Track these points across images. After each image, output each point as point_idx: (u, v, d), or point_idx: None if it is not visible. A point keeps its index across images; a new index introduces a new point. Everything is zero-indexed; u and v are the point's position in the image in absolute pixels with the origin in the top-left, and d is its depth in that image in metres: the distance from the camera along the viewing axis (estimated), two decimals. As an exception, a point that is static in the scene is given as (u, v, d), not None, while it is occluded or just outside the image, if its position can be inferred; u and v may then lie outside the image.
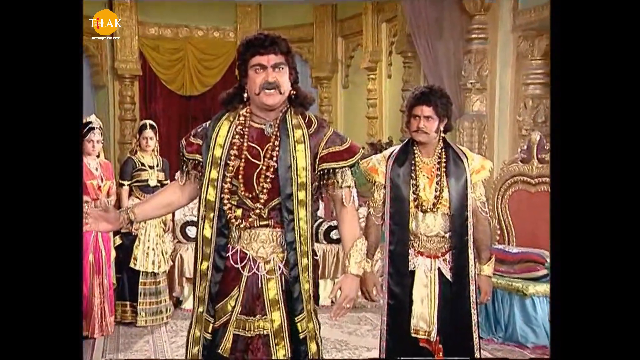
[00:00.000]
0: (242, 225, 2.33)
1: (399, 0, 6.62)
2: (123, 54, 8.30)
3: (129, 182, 5.16)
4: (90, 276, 4.62)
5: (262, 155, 2.33)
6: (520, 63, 5.63)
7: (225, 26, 8.87)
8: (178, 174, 2.52)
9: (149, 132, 5.18)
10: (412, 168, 3.04)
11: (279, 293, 2.34)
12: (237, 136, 2.35)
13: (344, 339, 4.88)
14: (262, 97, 2.30)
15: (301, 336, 2.33)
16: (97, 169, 4.67)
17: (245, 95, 2.36)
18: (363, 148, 2.57)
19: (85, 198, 4.47)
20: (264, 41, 2.29)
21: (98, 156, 4.76)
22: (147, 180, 5.15)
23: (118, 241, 5.11)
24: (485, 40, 5.77)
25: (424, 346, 3.04)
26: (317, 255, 2.46)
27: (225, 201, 2.32)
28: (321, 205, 5.87)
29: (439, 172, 3.02)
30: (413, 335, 3.03)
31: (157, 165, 5.22)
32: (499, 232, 5.21)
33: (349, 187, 2.42)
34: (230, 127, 2.37)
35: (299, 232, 2.31)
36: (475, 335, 3.04)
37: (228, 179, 2.32)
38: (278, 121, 2.36)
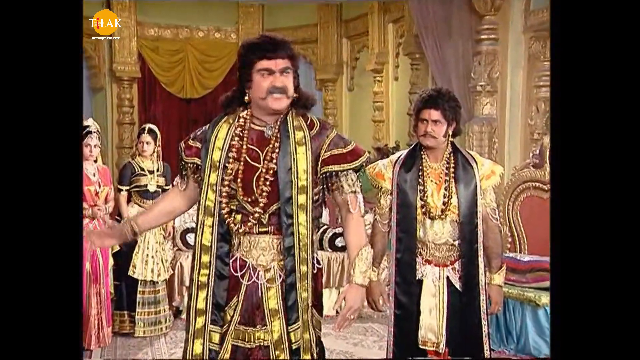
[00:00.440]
0: (241, 231, 2.33)
1: (406, -1, 6.65)
2: (121, 55, 8.33)
3: (128, 188, 5.17)
4: (87, 285, 4.63)
5: (261, 158, 2.34)
6: (532, 65, 5.63)
7: (226, 27, 8.91)
8: (177, 179, 2.53)
9: (145, 137, 5.18)
10: (420, 173, 3.04)
11: (280, 302, 2.34)
12: (236, 138, 2.36)
13: (350, 350, 4.88)
14: (269, 102, 2.31)
15: (294, 346, 2.33)
16: (94, 175, 4.69)
17: (247, 98, 2.37)
18: (369, 152, 2.58)
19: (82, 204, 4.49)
20: (271, 45, 2.30)
21: (96, 161, 4.77)
22: (146, 186, 5.15)
23: (116, 248, 5.12)
24: (495, 41, 5.78)
25: (432, 358, 3.04)
26: (320, 264, 2.45)
27: (224, 205, 2.33)
28: (326, 211, 5.88)
29: (447, 178, 3.02)
30: (421, 346, 3.03)
31: (158, 170, 5.23)
32: (510, 239, 5.20)
33: (355, 192, 2.42)
34: (229, 130, 2.38)
35: (298, 237, 2.31)
36: (485, 347, 3.04)
37: (227, 182, 2.33)
38: (279, 123, 2.37)
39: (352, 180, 2.40)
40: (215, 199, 2.33)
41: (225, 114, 2.43)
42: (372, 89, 7.92)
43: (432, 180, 3.04)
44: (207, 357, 2.34)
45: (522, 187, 5.19)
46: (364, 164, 2.42)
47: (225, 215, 2.33)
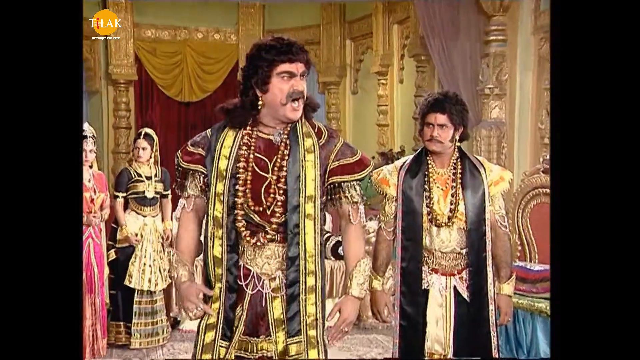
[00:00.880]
0: (251, 242, 2.34)
1: None
2: (117, 57, 8.36)
3: (124, 195, 5.16)
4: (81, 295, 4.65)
5: (269, 167, 2.35)
6: (542, 67, 5.64)
7: (226, 28, 8.93)
8: (181, 201, 2.50)
9: (141, 142, 5.18)
10: (426, 179, 3.05)
11: (284, 313, 2.35)
12: (244, 147, 2.36)
13: (353, 362, 4.88)
14: (287, 111, 2.31)
15: None
16: (89, 181, 4.70)
17: (260, 102, 2.35)
18: (373, 158, 2.60)
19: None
20: (292, 47, 2.30)
21: (91, 167, 4.78)
22: (143, 192, 5.15)
23: (112, 256, 5.12)
24: (504, 43, 5.78)
25: (439, 370, 3.04)
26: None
27: (240, 218, 2.33)
28: (329, 218, 5.88)
29: (454, 184, 3.03)
30: (427, 359, 3.03)
31: (156, 176, 5.22)
32: (519, 248, 5.19)
33: (357, 203, 2.44)
34: (235, 138, 2.38)
35: (304, 247, 2.32)
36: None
37: (241, 194, 2.33)
38: (288, 130, 2.38)
39: (356, 190, 2.42)
40: (223, 209, 2.33)
41: (231, 123, 2.41)
42: (377, 92, 7.93)
43: (438, 187, 3.05)
44: None
45: (532, 194, 5.19)
46: (370, 174, 2.44)
47: (242, 228, 2.33)
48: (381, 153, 7.45)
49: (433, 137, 3.01)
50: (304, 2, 8.60)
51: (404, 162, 3.15)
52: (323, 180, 2.36)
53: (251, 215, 2.35)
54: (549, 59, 5.57)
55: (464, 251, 3.03)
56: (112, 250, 5.12)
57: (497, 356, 3.05)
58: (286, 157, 2.33)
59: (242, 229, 2.34)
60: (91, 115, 8.03)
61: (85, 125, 4.76)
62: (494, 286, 3.07)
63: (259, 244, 2.35)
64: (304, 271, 2.32)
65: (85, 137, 4.64)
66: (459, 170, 3.05)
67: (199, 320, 2.43)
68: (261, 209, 2.33)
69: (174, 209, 5.26)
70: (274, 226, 2.34)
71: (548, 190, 5.09)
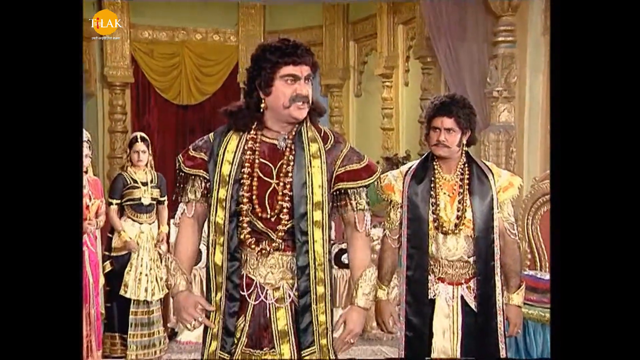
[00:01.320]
0: (256, 250, 2.34)
1: (417, -1, 6.68)
2: (113, 59, 8.39)
3: (118, 201, 5.15)
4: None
5: (274, 173, 2.35)
6: (553, 69, 5.64)
7: (226, 28, 8.96)
8: (182, 206, 2.50)
9: (140, 145, 5.17)
10: (432, 185, 3.05)
11: (289, 324, 2.35)
12: (248, 152, 2.36)
13: (357, 375, 4.87)
14: (292, 111, 2.31)
15: None
16: (85, 187, 4.71)
17: (263, 105, 2.36)
18: (377, 163, 2.60)
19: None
20: (297, 49, 2.30)
21: (86, 172, 4.78)
22: (140, 199, 5.14)
23: (108, 267, 5.11)
24: (513, 44, 5.79)
25: (445, 383, 3.04)
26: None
27: (245, 225, 2.34)
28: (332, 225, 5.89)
29: (461, 190, 3.03)
30: (434, 371, 3.03)
31: (152, 182, 5.22)
32: (529, 256, 5.19)
33: (363, 210, 2.45)
34: (239, 142, 2.38)
35: (314, 256, 2.32)
36: (503, 371, 3.04)
37: (246, 200, 2.33)
38: (293, 134, 2.38)
39: (362, 197, 2.43)
40: (224, 215, 2.34)
41: (234, 127, 2.42)
42: (381, 94, 7.94)
43: (445, 193, 3.05)
44: None
45: (542, 200, 5.18)
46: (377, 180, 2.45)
47: (247, 236, 2.34)
48: (386, 158, 7.46)
49: (439, 141, 3.02)
50: (306, 3, 8.62)
51: (410, 168, 3.15)
52: (329, 186, 2.37)
53: (255, 223, 2.35)
54: (559, 61, 5.58)
55: (471, 259, 3.03)
56: (108, 262, 5.11)
57: (506, 368, 3.05)
58: (291, 163, 2.34)
59: (247, 236, 2.35)
60: (86, 119, 8.02)
61: (80, 129, 4.77)
62: (502, 296, 3.07)
63: (264, 252, 2.35)
64: (314, 280, 2.33)
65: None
66: (467, 176, 3.05)
67: (201, 330, 2.44)
68: (267, 216, 2.34)
69: (171, 216, 5.27)
70: (280, 233, 2.34)
71: (559, 197, 5.08)
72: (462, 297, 3.03)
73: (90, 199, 4.70)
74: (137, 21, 8.55)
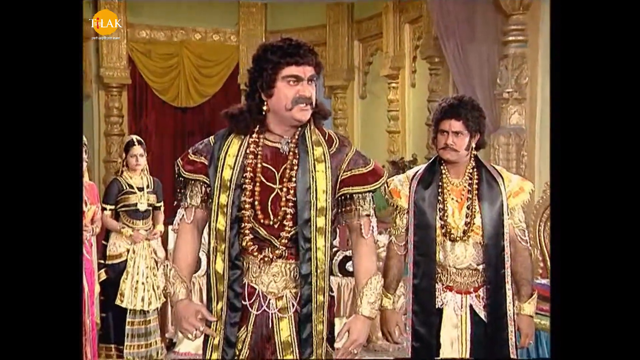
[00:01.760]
0: (259, 258, 2.34)
1: (425, -2, 6.69)
2: (109, 59, 8.40)
3: (112, 207, 5.14)
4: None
5: (277, 178, 2.36)
6: (565, 69, 5.63)
7: (226, 28, 8.98)
8: (181, 211, 2.50)
9: (138, 149, 5.17)
10: (439, 190, 3.05)
11: (293, 334, 2.35)
12: (250, 156, 2.37)
13: (362, 387, 4.87)
14: (295, 113, 2.32)
15: None
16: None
17: (265, 107, 2.36)
18: (383, 167, 2.61)
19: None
20: (300, 49, 2.31)
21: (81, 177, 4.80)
22: (135, 205, 5.15)
23: (103, 276, 5.11)
24: (524, 43, 5.78)
25: (454, 397, 3.03)
26: (333, 292, 2.47)
27: (247, 232, 2.34)
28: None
29: (470, 195, 3.03)
30: (441, 383, 3.02)
31: (148, 187, 5.23)
32: (541, 264, 5.18)
33: (369, 215, 2.45)
34: (241, 146, 2.39)
35: (316, 263, 2.33)
36: (514, 384, 3.03)
37: (248, 206, 2.33)
38: (296, 137, 2.38)
39: (368, 202, 2.43)
40: (226, 221, 2.34)
41: (236, 130, 2.42)
42: (387, 96, 7.95)
43: (453, 198, 3.05)
44: None
45: (554, 206, 5.18)
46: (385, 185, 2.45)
47: (249, 243, 2.34)
48: (392, 162, 7.46)
49: (447, 145, 3.02)
50: (309, 1, 8.64)
51: (416, 172, 3.15)
52: (334, 191, 2.37)
53: (257, 229, 2.35)
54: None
55: (480, 267, 3.02)
56: (103, 270, 5.11)
57: (517, 381, 3.05)
58: (295, 167, 2.34)
59: (249, 243, 2.35)
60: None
61: (75, 133, 4.78)
62: (513, 305, 3.07)
63: (266, 259, 2.35)
64: (315, 288, 2.33)
65: (75, 145, 4.65)
66: (475, 181, 3.05)
67: (201, 341, 2.44)
68: (270, 222, 2.34)
69: (167, 221, 5.28)
70: (283, 240, 2.35)
71: (572, 202, 5.07)
72: (471, 306, 3.03)
73: (86, 205, 4.71)
74: (134, 20, 8.57)
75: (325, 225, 2.34)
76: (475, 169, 3.07)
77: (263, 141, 2.39)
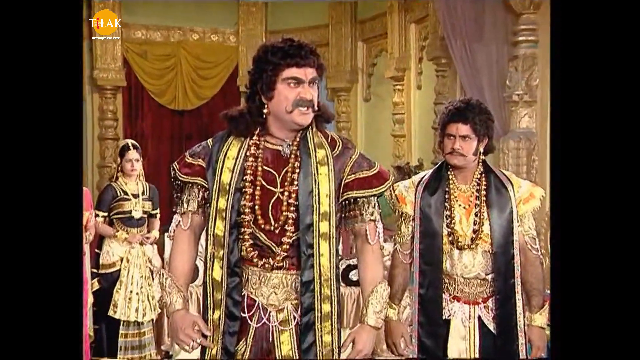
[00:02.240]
0: (259, 265, 2.34)
1: (431, -4, 6.69)
2: (104, 61, 8.41)
3: (105, 214, 5.13)
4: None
5: (278, 181, 2.36)
6: (577, 71, 5.63)
7: (225, 28, 8.99)
8: (177, 217, 2.49)
9: (133, 154, 5.17)
10: (446, 197, 3.05)
11: (294, 348, 2.35)
12: (250, 159, 2.37)
13: (366, 402, 4.85)
14: (295, 116, 2.32)
15: None
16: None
17: (265, 110, 2.37)
18: (388, 171, 2.61)
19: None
20: (301, 50, 2.31)
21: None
22: (130, 212, 5.14)
23: (96, 285, 5.10)
24: (535, 44, 5.79)
25: (462, 412, 3.03)
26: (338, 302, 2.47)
27: (247, 237, 2.34)
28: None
29: (478, 202, 3.03)
30: (449, 398, 3.02)
31: (143, 193, 5.23)
32: (553, 273, 5.17)
33: (375, 220, 2.45)
34: (241, 148, 2.39)
35: (319, 270, 2.32)
36: (524, 398, 3.02)
37: (248, 210, 2.34)
38: (298, 140, 2.39)
39: (373, 207, 2.43)
40: (224, 226, 2.34)
41: (235, 132, 2.42)
42: (392, 99, 7.95)
43: (460, 205, 3.05)
44: None
45: (566, 213, 5.17)
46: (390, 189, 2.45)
47: (249, 249, 2.34)
48: (397, 167, 7.46)
49: (454, 149, 3.01)
50: (311, 0, 8.65)
51: (422, 178, 3.15)
52: (337, 195, 2.37)
53: (257, 235, 2.35)
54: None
55: (489, 277, 3.02)
56: (96, 279, 5.10)
57: (527, 396, 3.04)
58: (297, 170, 2.35)
59: (249, 249, 2.35)
60: (74, 125, 8.07)
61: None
62: (524, 316, 3.06)
63: (267, 266, 2.35)
64: (319, 297, 2.33)
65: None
66: (484, 187, 3.04)
67: (198, 352, 2.43)
68: (270, 227, 2.34)
69: (163, 229, 5.28)
70: (284, 246, 2.35)
71: (584, 209, 5.07)
72: (479, 317, 3.03)
73: (78, 211, 4.71)
74: (130, 20, 8.57)
75: (329, 231, 2.34)
76: (483, 175, 3.07)
77: (264, 144, 2.39)
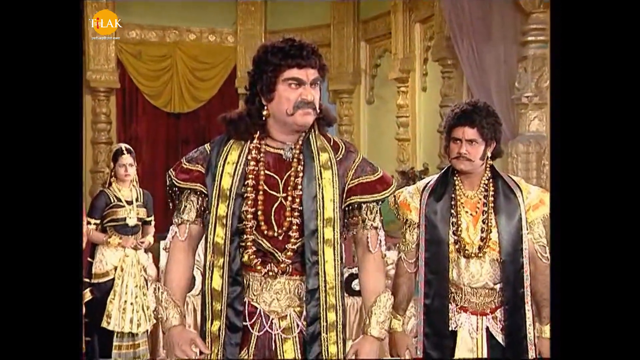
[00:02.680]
0: (262, 273, 2.34)
1: (436, -5, 6.71)
2: (97, 62, 8.42)
3: (98, 221, 5.12)
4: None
5: (280, 186, 2.36)
6: (589, 72, 5.64)
7: (223, 28, 9.01)
8: (173, 228, 2.49)
9: (127, 158, 5.17)
10: (453, 203, 3.05)
11: (298, 356, 2.35)
12: (252, 163, 2.37)
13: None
14: (296, 118, 2.32)
15: None
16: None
17: (265, 112, 2.38)
18: (392, 177, 2.61)
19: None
20: (302, 50, 2.32)
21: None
22: (124, 219, 5.14)
23: (88, 296, 5.09)
24: (545, 44, 5.78)
25: None
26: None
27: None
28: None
29: (485, 209, 3.03)
30: (456, 413, 3.02)
31: (137, 200, 5.22)
32: (564, 283, 5.17)
33: (377, 228, 2.46)
34: (241, 152, 2.39)
35: (324, 278, 2.33)
36: (535, 414, 3.02)
37: (250, 216, 2.34)
38: (300, 143, 2.39)
39: (376, 213, 2.44)
40: (225, 234, 2.34)
41: (235, 136, 2.43)
42: (396, 101, 7.96)
43: (467, 212, 3.05)
44: None
45: (578, 220, 5.17)
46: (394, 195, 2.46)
47: (252, 256, 2.34)
48: (401, 172, 7.46)
49: (461, 154, 3.02)
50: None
51: (428, 183, 3.15)
52: (341, 200, 2.37)
53: (260, 242, 2.35)
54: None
55: (497, 287, 3.02)
56: (88, 289, 5.09)
57: (538, 410, 3.04)
58: (300, 174, 2.35)
59: (252, 257, 2.35)
60: (66, 129, 8.08)
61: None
62: (534, 328, 3.06)
63: (270, 274, 2.35)
64: (324, 306, 2.33)
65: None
66: (491, 193, 3.04)
67: None
68: (274, 233, 2.35)
69: (156, 237, 5.28)
70: (288, 253, 2.35)
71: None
72: (487, 328, 3.02)
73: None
74: (124, 19, 8.52)
75: (334, 237, 2.34)
76: (491, 180, 3.07)
77: (265, 147, 2.40)
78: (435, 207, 3.05)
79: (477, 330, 3.03)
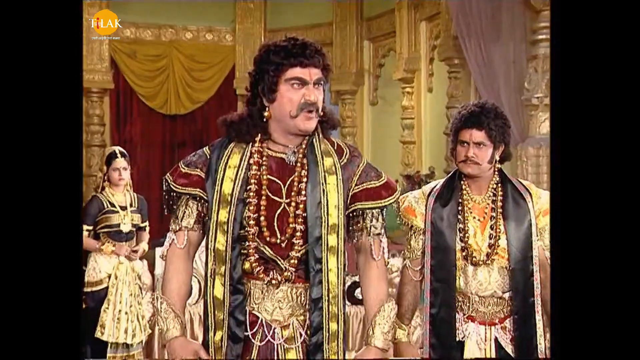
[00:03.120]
0: (265, 281, 2.35)
1: (443, -8, 6.72)
2: (90, 61, 8.42)
3: (90, 228, 5.12)
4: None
5: (284, 191, 2.37)
6: (601, 72, 5.65)
7: (220, 26, 9.02)
8: (170, 235, 2.49)
9: (121, 162, 5.18)
10: (460, 208, 3.05)
11: None
12: (254, 167, 2.38)
13: None
14: (299, 121, 2.33)
15: None
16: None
17: (267, 113, 2.38)
18: (396, 181, 2.62)
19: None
20: (305, 49, 2.32)
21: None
22: (118, 225, 5.14)
23: (81, 305, 5.10)
24: (554, 43, 5.80)
25: None
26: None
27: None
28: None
29: (494, 214, 3.03)
30: None
31: (132, 205, 5.22)
32: (575, 291, 5.17)
33: (379, 235, 2.46)
34: (242, 156, 2.39)
35: (328, 287, 2.33)
36: None
37: (252, 222, 2.34)
38: (303, 147, 2.40)
39: (380, 220, 2.44)
40: (226, 240, 2.34)
41: (236, 138, 2.43)
42: (400, 102, 7.97)
43: (474, 217, 3.05)
44: None
45: (590, 226, 5.17)
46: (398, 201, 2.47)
47: (254, 264, 2.35)
48: (406, 176, 7.47)
49: (468, 157, 3.02)
50: (314, -3, 8.70)
51: (433, 188, 3.15)
52: (345, 206, 2.38)
53: (262, 249, 2.36)
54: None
55: (506, 295, 3.02)
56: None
57: None
58: (304, 179, 2.35)
59: (254, 264, 2.35)
60: (58, 131, 8.09)
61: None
62: (545, 338, 3.06)
63: (273, 282, 2.35)
64: (327, 315, 2.34)
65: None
66: (500, 198, 3.04)
67: None
68: (277, 240, 2.35)
69: (151, 243, 5.28)
70: (292, 261, 2.35)
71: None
72: (496, 339, 3.02)
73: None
74: (118, 17, 8.57)
75: (338, 245, 2.35)
76: (499, 184, 3.07)
77: (267, 151, 2.40)
78: (442, 213, 3.05)
79: (485, 340, 3.02)
